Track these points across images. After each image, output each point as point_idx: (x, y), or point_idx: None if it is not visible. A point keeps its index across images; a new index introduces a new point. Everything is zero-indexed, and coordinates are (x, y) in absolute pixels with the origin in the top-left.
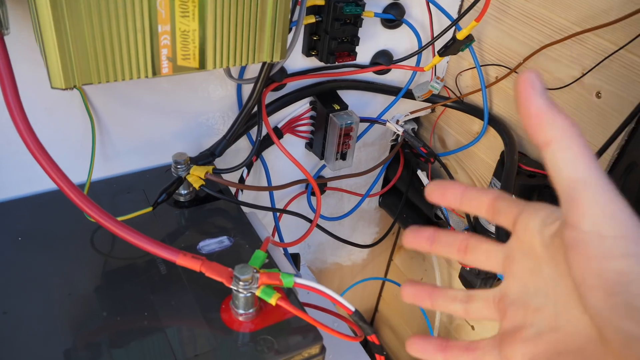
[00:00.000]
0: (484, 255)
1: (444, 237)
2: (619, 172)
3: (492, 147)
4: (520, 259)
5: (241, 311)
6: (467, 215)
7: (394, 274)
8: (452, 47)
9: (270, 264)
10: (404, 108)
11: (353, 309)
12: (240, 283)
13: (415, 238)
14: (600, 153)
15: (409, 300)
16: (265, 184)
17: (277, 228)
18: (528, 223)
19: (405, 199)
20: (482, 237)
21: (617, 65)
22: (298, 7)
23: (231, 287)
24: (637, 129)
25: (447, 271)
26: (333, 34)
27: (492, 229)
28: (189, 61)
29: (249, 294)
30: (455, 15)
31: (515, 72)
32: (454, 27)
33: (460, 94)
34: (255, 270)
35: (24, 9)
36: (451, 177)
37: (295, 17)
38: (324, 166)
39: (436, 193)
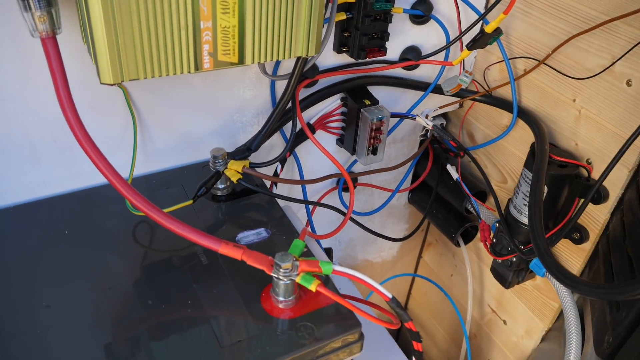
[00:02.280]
0: None
1: None
2: None
3: (521, 139)
4: None
5: (281, 298)
6: (498, 208)
7: (424, 271)
8: (480, 41)
9: (307, 254)
10: (433, 103)
11: (390, 296)
12: (281, 270)
13: None
14: (631, 141)
15: None
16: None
17: (309, 222)
18: None
19: (435, 193)
20: None
21: None
22: (330, 5)
23: (272, 274)
24: None
25: (478, 266)
26: (364, 30)
27: (524, 220)
28: (229, 56)
29: (289, 281)
30: (482, 10)
31: (544, 63)
32: (481, 21)
33: (489, 87)
34: (294, 258)
35: (70, 8)
36: (482, 171)
37: (327, 14)
38: (354, 162)
39: None
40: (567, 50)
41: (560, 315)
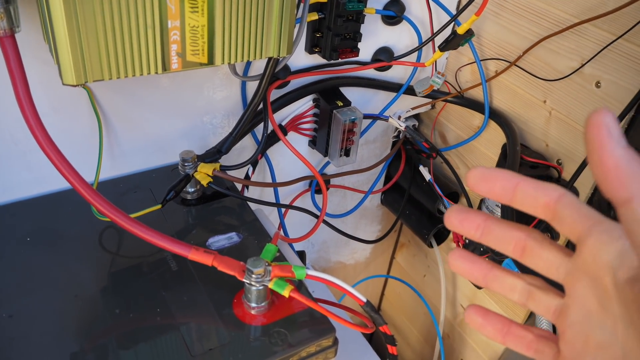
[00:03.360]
0: (543, 263)
1: (497, 229)
2: None
3: (493, 140)
4: (586, 284)
5: (254, 304)
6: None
7: (397, 272)
8: (452, 42)
9: (280, 258)
10: (405, 104)
11: (365, 300)
12: (253, 276)
13: (463, 223)
14: None
15: (458, 271)
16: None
17: (282, 225)
18: (599, 254)
19: (407, 195)
20: (545, 239)
21: (616, 55)
22: (302, 5)
23: (244, 280)
24: (637, 117)
25: None
26: (336, 30)
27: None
28: (198, 56)
29: (261, 287)
30: (454, 11)
31: (515, 65)
32: (453, 23)
33: (461, 88)
34: (267, 264)
35: (31, 7)
36: (454, 172)
37: (298, 14)
38: (326, 164)
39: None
40: (538, 52)
41: (532, 314)
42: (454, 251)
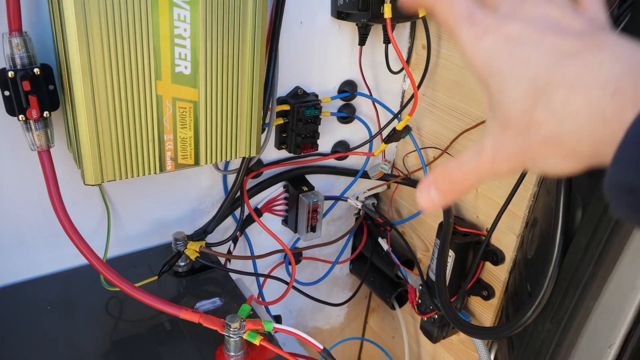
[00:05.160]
0: None
1: None
2: (528, 226)
3: (438, 214)
4: None
5: (232, 354)
6: (421, 274)
7: (370, 335)
8: (394, 136)
9: (254, 316)
10: (364, 186)
11: (321, 347)
12: (231, 329)
13: None
14: (503, 208)
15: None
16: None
17: (260, 292)
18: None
19: (370, 263)
20: None
21: None
22: (269, 112)
23: (224, 333)
24: (538, 192)
25: (414, 326)
26: (298, 131)
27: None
28: (187, 159)
29: (237, 338)
30: (396, 110)
31: (446, 152)
32: (395, 120)
33: (408, 172)
34: (242, 319)
35: (58, 125)
36: (406, 243)
37: (268, 120)
38: (298, 239)
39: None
40: (462, 141)
41: None
42: None
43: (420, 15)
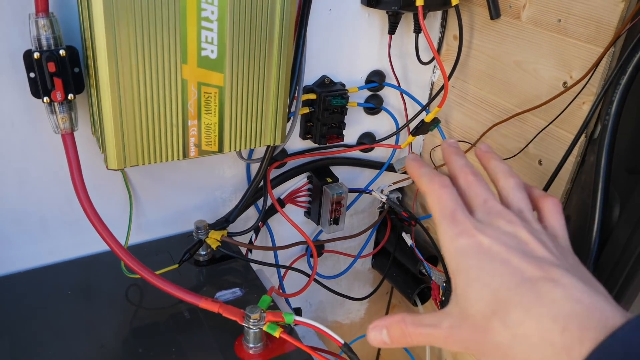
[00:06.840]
0: None
1: None
2: None
3: None
4: None
5: (251, 345)
6: (445, 270)
7: None
8: (421, 128)
9: (275, 308)
10: (389, 179)
11: (342, 341)
12: (251, 320)
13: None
14: None
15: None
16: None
17: (280, 284)
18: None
19: (392, 258)
20: None
21: (550, 138)
22: (295, 101)
23: (243, 324)
24: (571, 189)
25: None
26: (324, 121)
27: None
28: (211, 146)
29: (257, 330)
30: (425, 102)
31: (475, 145)
32: (424, 112)
33: (435, 166)
34: (262, 311)
35: (82, 109)
36: (430, 238)
37: (293, 109)
38: (321, 231)
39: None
40: (492, 135)
41: None
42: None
43: (454, 4)
